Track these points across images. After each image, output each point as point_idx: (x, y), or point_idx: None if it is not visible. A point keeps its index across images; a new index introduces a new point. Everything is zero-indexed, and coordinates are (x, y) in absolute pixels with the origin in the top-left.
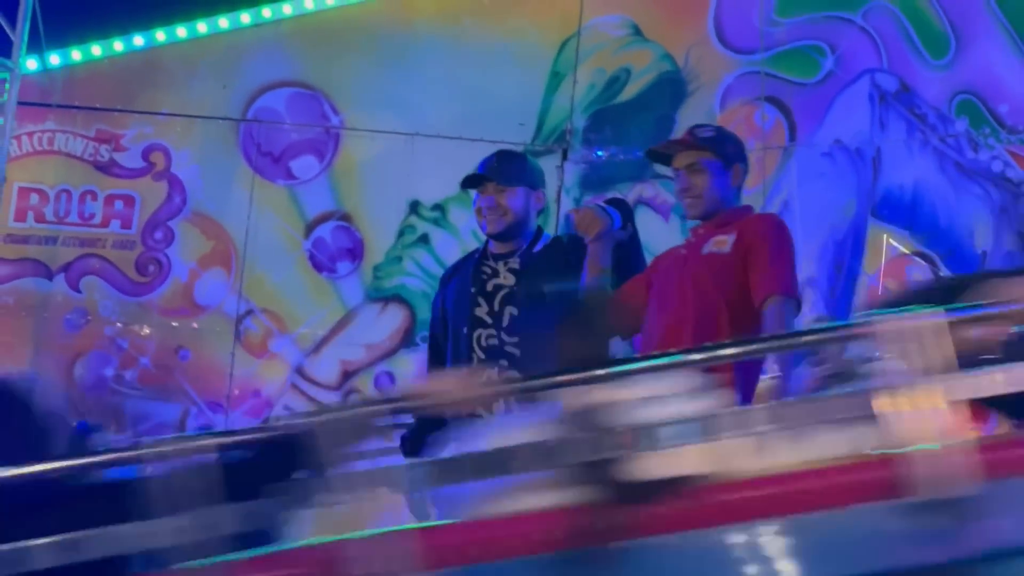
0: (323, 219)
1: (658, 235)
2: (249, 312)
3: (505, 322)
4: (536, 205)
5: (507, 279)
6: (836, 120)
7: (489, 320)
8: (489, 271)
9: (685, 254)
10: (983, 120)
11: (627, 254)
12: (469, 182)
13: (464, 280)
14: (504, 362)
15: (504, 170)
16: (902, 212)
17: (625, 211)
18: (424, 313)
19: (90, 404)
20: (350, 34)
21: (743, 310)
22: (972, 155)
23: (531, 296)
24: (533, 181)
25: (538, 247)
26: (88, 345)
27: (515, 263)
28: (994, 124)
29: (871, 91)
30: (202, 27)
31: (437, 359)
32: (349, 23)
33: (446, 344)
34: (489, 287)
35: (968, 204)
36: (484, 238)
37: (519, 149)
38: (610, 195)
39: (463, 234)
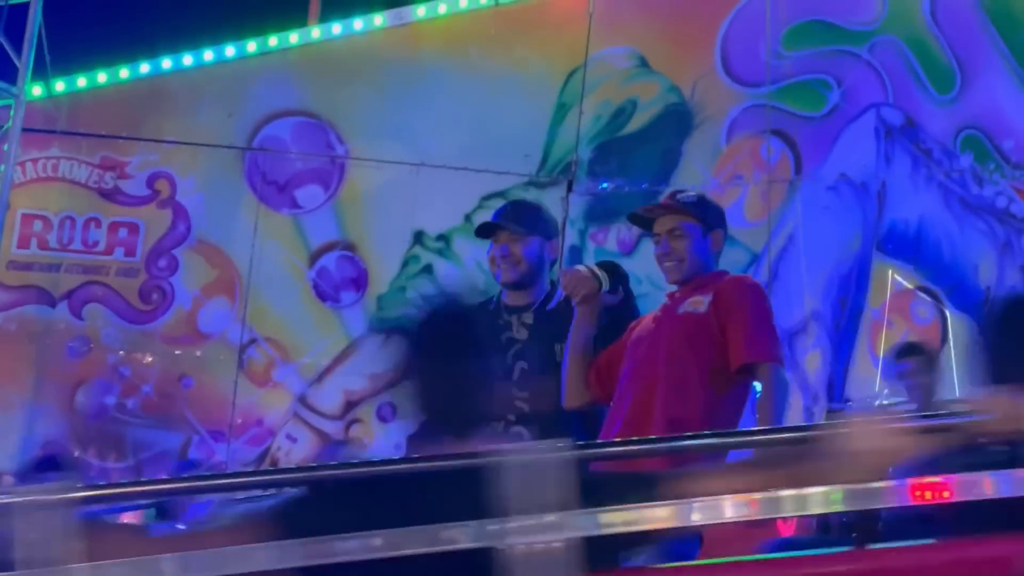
0: (327, 249)
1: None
2: (252, 341)
3: (515, 376)
4: (550, 256)
5: (520, 333)
6: (842, 154)
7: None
8: (502, 324)
9: (660, 316)
10: (988, 156)
11: (617, 319)
12: (483, 231)
13: (478, 327)
14: (512, 416)
15: (518, 219)
16: (907, 247)
17: (617, 275)
18: None
19: (91, 432)
20: (356, 64)
21: (718, 370)
22: (977, 190)
23: (542, 353)
24: (547, 231)
25: (552, 304)
26: (90, 373)
27: (528, 318)
28: (999, 160)
29: (877, 125)
30: (208, 55)
31: None
32: (355, 53)
33: None
34: (502, 339)
35: (972, 239)
36: (489, 270)
37: (524, 180)
38: (616, 227)
39: (468, 265)
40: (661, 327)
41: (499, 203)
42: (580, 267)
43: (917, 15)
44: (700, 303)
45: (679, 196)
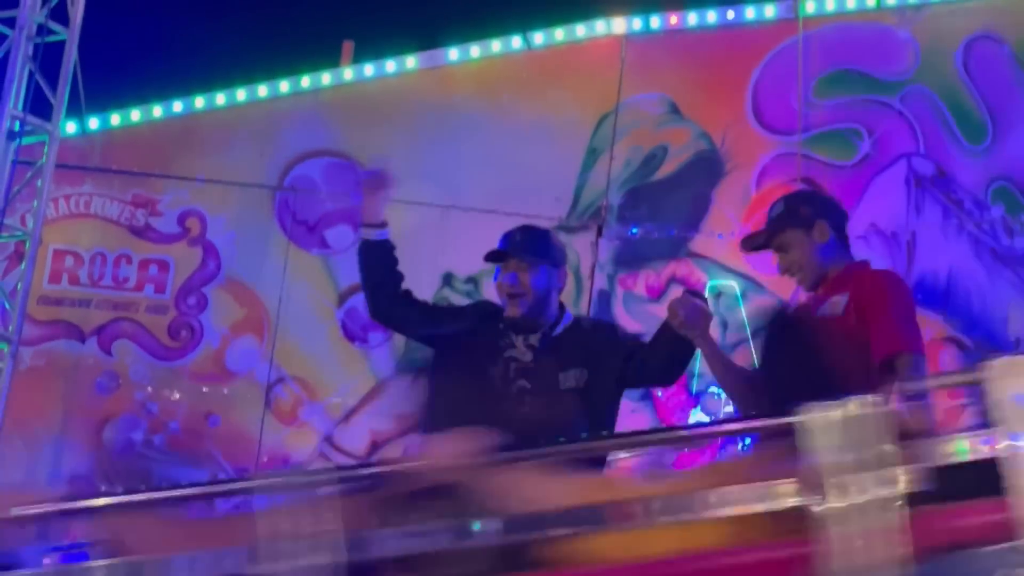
0: (356, 289)
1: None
2: (280, 380)
3: (514, 390)
4: (558, 283)
5: (523, 354)
6: (872, 203)
7: (500, 386)
8: (507, 342)
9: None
10: (1019, 207)
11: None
12: (492, 257)
13: (483, 340)
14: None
15: (526, 246)
16: (936, 297)
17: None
18: None
19: (118, 468)
20: (388, 105)
21: (861, 371)
22: (1008, 241)
23: (544, 379)
24: (555, 258)
25: (559, 329)
26: (118, 409)
27: (535, 340)
28: None
29: (907, 175)
30: (241, 94)
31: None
32: (387, 94)
33: None
34: (506, 355)
35: (1002, 290)
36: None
37: (554, 224)
38: (644, 272)
39: None
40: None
41: None
42: (686, 300)
43: (949, 66)
44: (838, 305)
45: (769, 213)
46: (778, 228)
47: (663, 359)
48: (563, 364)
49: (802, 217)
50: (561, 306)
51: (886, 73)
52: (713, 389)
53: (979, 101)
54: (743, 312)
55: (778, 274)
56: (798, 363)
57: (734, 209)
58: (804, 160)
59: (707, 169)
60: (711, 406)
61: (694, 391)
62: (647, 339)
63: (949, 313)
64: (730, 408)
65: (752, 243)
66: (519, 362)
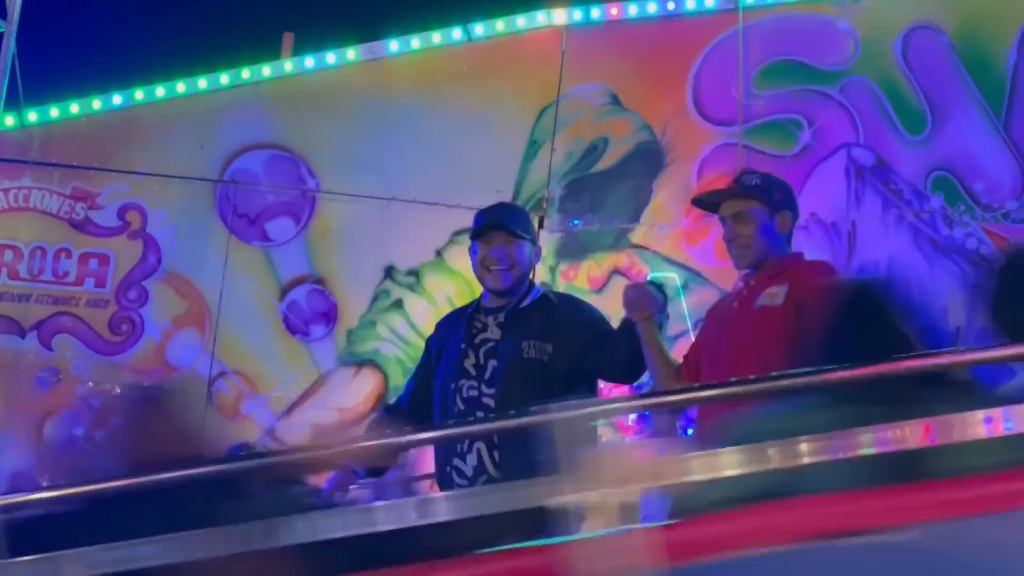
0: (298, 282)
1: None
2: (222, 374)
3: (487, 374)
4: (535, 260)
5: (493, 333)
6: (812, 193)
7: (473, 372)
8: (480, 325)
9: (737, 308)
10: (958, 197)
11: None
12: (480, 232)
13: (457, 334)
14: (480, 413)
15: (513, 220)
16: None
17: (666, 297)
18: (397, 379)
19: (60, 463)
20: (329, 98)
21: (802, 363)
22: (947, 232)
23: (508, 351)
24: (533, 235)
25: (526, 302)
26: (59, 404)
27: (502, 318)
28: (969, 201)
29: (847, 165)
30: (181, 87)
31: (419, 406)
32: (328, 87)
33: (431, 392)
34: (477, 340)
35: (942, 280)
36: (459, 305)
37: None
38: (586, 264)
39: (438, 300)
40: (740, 320)
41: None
42: (639, 284)
43: (888, 56)
44: (777, 295)
45: (743, 179)
46: (749, 196)
47: (626, 355)
48: (526, 334)
49: (774, 199)
50: (530, 283)
51: (826, 64)
52: None
53: (918, 91)
54: (684, 304)
55: (723, 239)
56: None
57: (675, 200)
58: (745, 151)
59: (648, 160)
60: None
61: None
62: (614, 323)
63: None
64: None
65: (717, 198)
66: (489, 342)
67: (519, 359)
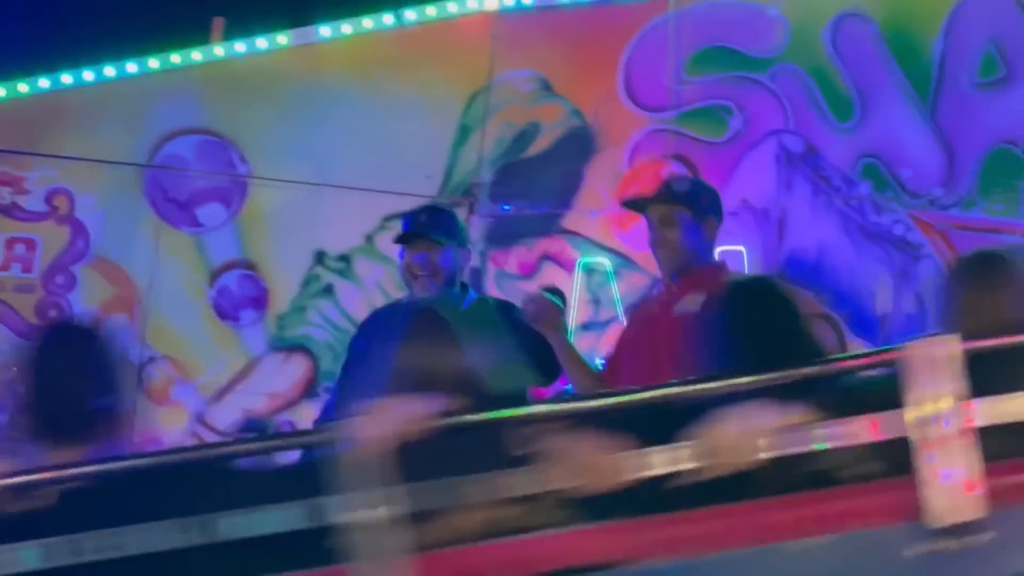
0: (228, 267)
1: (564, 289)
2: (151, 359)
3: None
4: (463, 263)
5: None
6: (743, 180)
7: None
8: None
9: (657, 312)
10: (886, 184)
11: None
12: (405, 238)
13: (390, 331)
14: None
15: (435, 226)
16: (806, 273)
17: (564, 300)
18: (327, 364)
19: None
20: (259, 83)
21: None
22: (875, 218)
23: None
24: (461, 238)
25: (463, 307)
26: None
27: None
28: (896, 188)
29: (777, 152)
30: (109, 71)
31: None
32: (259, 72)
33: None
34: None
35: (870, 266)
36: (390, 291)
37: (425, 202)
38: (517, 249)
39: (368, 286)
40: (658, 326)
41: (400, 224)
42: (537, 295)
43: (818, 44)
44: (695, 303)
45: (672, 184)
46: (677, 201)
47: (539, 358)
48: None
49: (702, 205)
50: (464, 286)
51: (756, 50)
52: None
53: (847, 79)
54: (615, 289)
55: (649, 243)
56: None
57: (606, 186)
58: (675, 137)
59: (579, 146)
60: None
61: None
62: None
63: (818, 289)
64: None
65: (644, 202)
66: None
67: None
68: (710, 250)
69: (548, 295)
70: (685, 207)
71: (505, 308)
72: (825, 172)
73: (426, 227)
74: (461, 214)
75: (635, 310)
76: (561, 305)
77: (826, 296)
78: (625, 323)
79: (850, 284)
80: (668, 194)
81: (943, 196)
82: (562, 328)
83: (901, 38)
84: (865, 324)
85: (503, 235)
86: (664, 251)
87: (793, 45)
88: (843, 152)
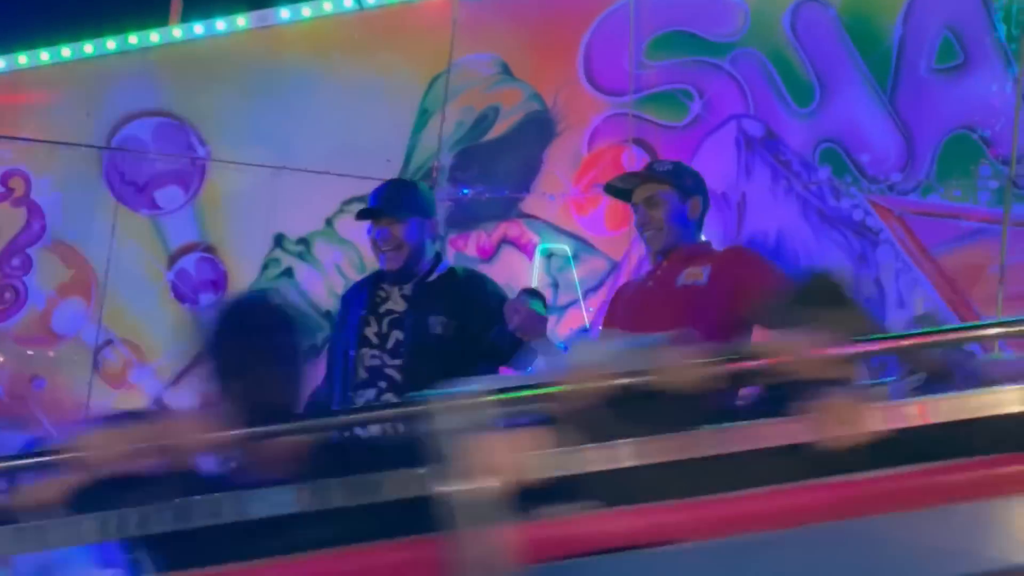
0: (187, 250)
1: (523, 273)
2: (108, 342)
3: (390, 344)
4: (430, 233)
5: (398, 304)
6: (702, 164)
7: (375, 340)
8: (383, 295)
9: (653, 287)
10: (845, 169)
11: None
12: (363, 215)
13: (360, 301)
14: (383, 383)
15: (396, 201)
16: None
17: (544, 303)
18: None
19: None
20: (218, 65)
21: (722, 339)
22: (834, 203)
23: (415, 325)
24: (425, 210)
25: (433, 276)
26: None
27: (408, 290)
28: (856, 173)
29: (737, 136)
30: (66, 52)
31: (329, 375)
32: (217, 54)
33: (336, 362)
34: (381, 310)
35: (829, 251)
36: (349, 274)
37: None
38: (476, 233)
39: (327, 269)
40: (659, 299)
41: (360, 207)
42: (521, 304)
43: (778, 28)
44: (699, 275)
45: (655, 165)
46: (661, 181)
47: (511, 343)
48: (433, 309)
49: (686, 185)
50: (437, 256)
51: (716, 35)
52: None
53: (806, 64)
54: (574, 273)
55: (635, 224)
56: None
57: (565, 170)
58: (636, 121)
59: (539, 130)
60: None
61: None
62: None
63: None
64: None
65: (629, 183)
66: (393, 313)
67: (426, 334)
68: (697, 230)
69: (530, 300)
70: (669, 185)
71: (475, 279)
72: (785, 157)
73: (387, 202)
74: (427, 187)
75: (620, 292)
76: (543, 311)
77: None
78: (610, 308)
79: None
80: (651, 174)
81: (901, 181)
82: (543, 333)
83: (860, 24)
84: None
85: (462, 219)
86: (651, 230)
87: (753, 30)
88: (802, 137)
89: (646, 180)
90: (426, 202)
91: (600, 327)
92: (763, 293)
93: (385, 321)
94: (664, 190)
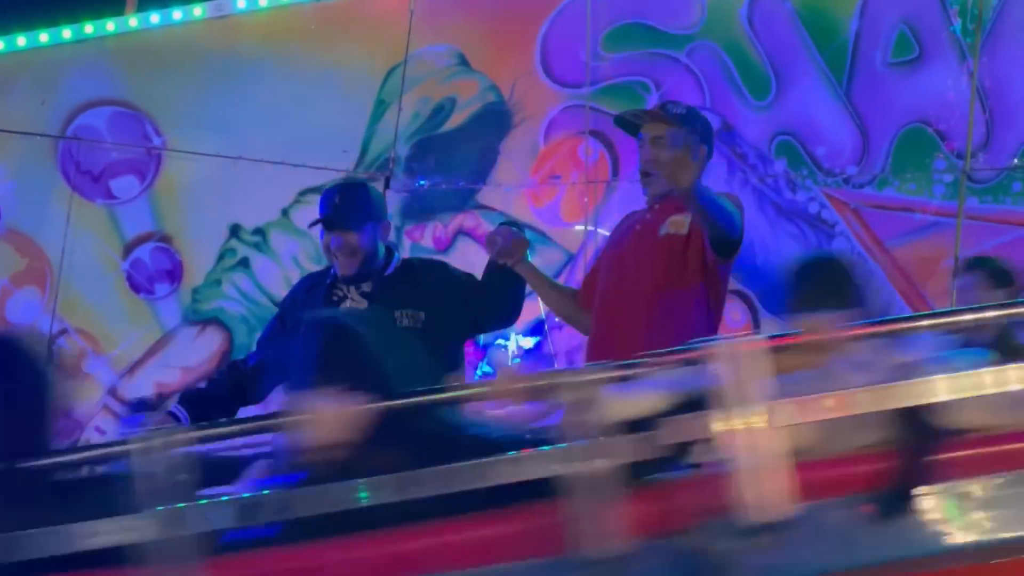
0: (142, 240)
1: (479, 264)
2: (63, 332)
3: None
4: (384, 235)
5: (359, 302)
6: None
7: None
8: (340, 293)
9: (639, 231)
10: (801, 162)
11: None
12: (317, 223)
13: (314, 302)
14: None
15: (349, 210)
16: None
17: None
18: (242, 337)
19: None
20: (174, 54)
21: (703, 286)
22: (790, 196)
23: (380, 322)
24: (377, 214)
25: (389, 270)
26: None
27: (367, 287)
28: (812, 166)
29: None
30: (21, 40)
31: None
32: (173, 43)
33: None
34: (341, 309)
35: (785, 244)
36: (305, 265)
37: (341, 176)
38: (432, 224)
39: (283, 259)
40: (643, 247)
41: (316, 198)
42: (502, 229)
43: (735, 21)
44: (682, 224)
45: (669, 106)
46: (673, 122)
47: (498, 299)
48: (397, 303)
49: (699, 132)
50: (389, 250)
51: (673, 27)
52: (500, 341)
53: (763, 57)
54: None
55: (641, 161)
56: None
57: (522, 161)
58: (592, 113)
59: (495, 121)
60: (499, 358)
61: (482, 343)
62: (479, 278)
63: (733, 265)
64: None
65: (641, 119)
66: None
67: (393, 328)
68: (698, 178)
69: (512, 227)
70: (680, 128)
71: (433, 267)
72: (741, 149)
73: (341, 211)
74: (377, 188)
75: (615, 231)
76: (524, 235)
77: (740, 273)
78: (605, 244)
79: (765, 261)
80: (665, 114)
81: (857, 175)
82: (524, 257)
83: (816, 17)
84: (779, 302)
85: (418, 210)
86: (654, 169)
87: (710, 23)
88: (759, 130)
89: (658, 119)
90: (378, 206)
91: (588, 272)
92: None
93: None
94: (675, 131)
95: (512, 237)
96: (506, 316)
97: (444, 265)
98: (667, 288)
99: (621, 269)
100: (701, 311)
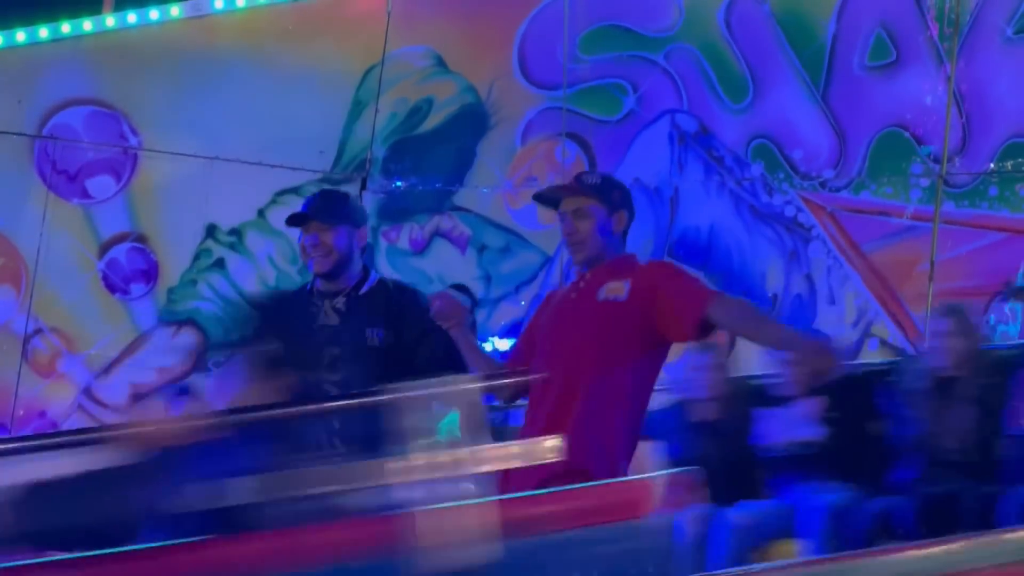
0: (118, 240)
1: (455, 266)
2: (38, 331)
3: (326, 361)
4: (359, 243)
5: (331, 319)
6: (636, 159)
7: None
8: (315, 309)
9: (575, 299)
10: (778, 165)
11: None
12: (293, 220)
13: (292, 313)
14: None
15: (326, 209)
16: (698, 253)
17: (473, 300)
18: (217, 337)
19: None
20: (151, 54)
21: (641, 353)
22: (766, 199)
23: (351, 339)
24: (355, 220)
25: (364, 288)
26: None
27: (340, 303)
28: (788, 169)
29: (671, 131)
30: None
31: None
32: (151, 43)
33: None
34: (316, 325)
35: (761, 247)
36: (280, 264)
37: (318, 177)
38: (408, 225)
39: (259, 260)
40: (582, 312)
41: (293, 199)
42: (445, 293)
43: (712, 24)
44: (620, 290)
45: (583, 178)
46: (588, 194)
47: (446, 354)
48: (368, 321)
49: (613, 199)
50: (365, 268)
51: (651, 30)
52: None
53: (740, 60)
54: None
55: (562, 234)
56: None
57: (499, 163)
58: (569, 115)
59: (472, 123)
60: None
61: None
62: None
63: (710, 269)
64: None
65: (558, 194)
66: (328, 328)
67: (363, 346)
68: (621, 242)
69: (456, 292)
70: (596, 199)
71: (407, 293)
72: (718, 152)
73: (318, 209)
74: (353, 190)
75: (545, 301)
76: (468, 303)
77: (717, 276)
78: (536, 315)
79: (741, 264)
80: (579, 187)
81: (833, 178)
82: (465, 324)
83: (794, 20)
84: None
85: (395, 211)
86: (576, 242)
87: (688, 25)
88: (736, 133)
89: (574, 192)
90: (356, 213)
91: (523, 334)
92: (681, 309)
93: (322, 336)
94: (591, 203)
95: (450, 302)
96: (449, 370)
97: (415, 293)
98: (608, 351)
99: (562, 338)
100: (641, 374)
